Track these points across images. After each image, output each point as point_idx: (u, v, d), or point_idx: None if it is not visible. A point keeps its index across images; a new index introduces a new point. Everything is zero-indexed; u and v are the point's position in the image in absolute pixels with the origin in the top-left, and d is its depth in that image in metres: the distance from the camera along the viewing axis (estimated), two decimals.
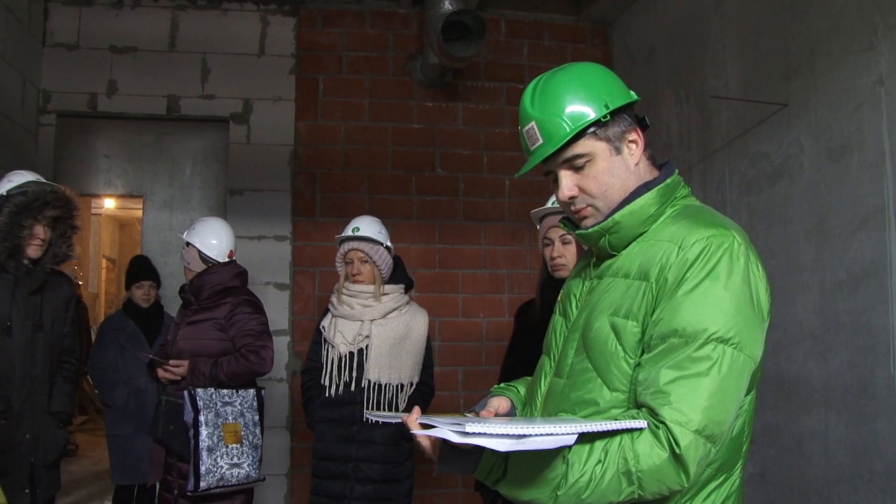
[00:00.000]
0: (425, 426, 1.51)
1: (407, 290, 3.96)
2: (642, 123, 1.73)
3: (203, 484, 3.42)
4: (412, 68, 5.56)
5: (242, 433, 3.59)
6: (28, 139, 5.14)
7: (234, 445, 3.54)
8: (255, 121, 5.46)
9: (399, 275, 3.90)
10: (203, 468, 3.43)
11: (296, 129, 5.48)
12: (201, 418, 3.50)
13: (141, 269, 5.08)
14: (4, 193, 3.37)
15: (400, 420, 1.64)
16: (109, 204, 8.15)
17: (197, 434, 3.49)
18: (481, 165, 5.54)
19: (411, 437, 3.60)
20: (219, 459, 3.48)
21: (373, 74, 5.57)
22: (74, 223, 3.53)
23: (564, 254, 3.03)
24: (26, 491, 3.25)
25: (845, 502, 3.18)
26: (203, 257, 3.80)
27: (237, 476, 3.51)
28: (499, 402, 1.83)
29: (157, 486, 3.86)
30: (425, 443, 1.59)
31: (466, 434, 1.34)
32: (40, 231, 3.33)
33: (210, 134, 5.62)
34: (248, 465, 3.57)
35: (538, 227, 3.26)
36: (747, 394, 1.59)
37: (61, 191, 3.46)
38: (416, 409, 1.65)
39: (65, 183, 5.29)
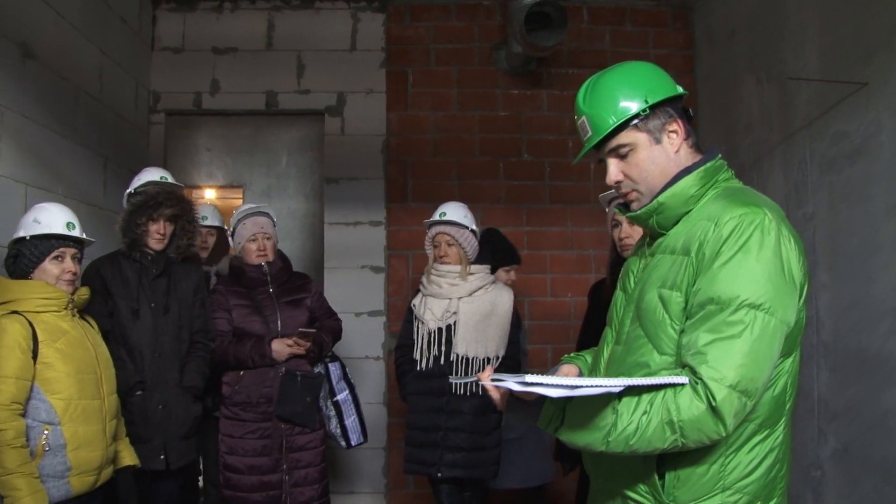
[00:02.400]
0: (496, 381, 1.75)
1: (493, 271, 4.17)
2: (687, 114, 1.91)
3: (366, 437, 4.13)
4: (497, 58, 5.70)
5: None
6: (141, 137, 5.51)
7: None
8: (349, 113, 5.69)
9: (484, 256, 4.11)
10: (365, 423, 4.10)
11: (387, 120, 5.69)
12: (353, 382, 4.08)
13: (511, 250, 4.66)
14: (132, 191, 3.73)
15: (476, 378, 1.86)
16: (210, 194, 8.53)
17: (356, 397, 4.09)
18: (566, 150, 5.65)
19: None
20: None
21: (459, 65, 5.73)
22: (193, 217, 3.83)
23: (632, 234, 3.15)
24: (161, 457, 3.56)
25: None
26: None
27: None
28: (568, 369, 2.07)
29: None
30: (494, 395, 1.85)
31: (526, 383, 1.59)
32: (158, 227, 3.64)
33: (304, 125, 5.87)
34: None
35: (606, 210, 3.42)
36: (788, 356, 1.77)
37: (176, 191, 3.77)
38: (489, 368, 1.90)
39: (173, 176, 5.72)
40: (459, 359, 3.90)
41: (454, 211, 4.05)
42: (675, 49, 5.73)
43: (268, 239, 4.03)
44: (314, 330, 3.93)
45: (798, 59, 4.12)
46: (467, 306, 3.95)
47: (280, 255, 4.12)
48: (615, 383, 1.60)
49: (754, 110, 4.67)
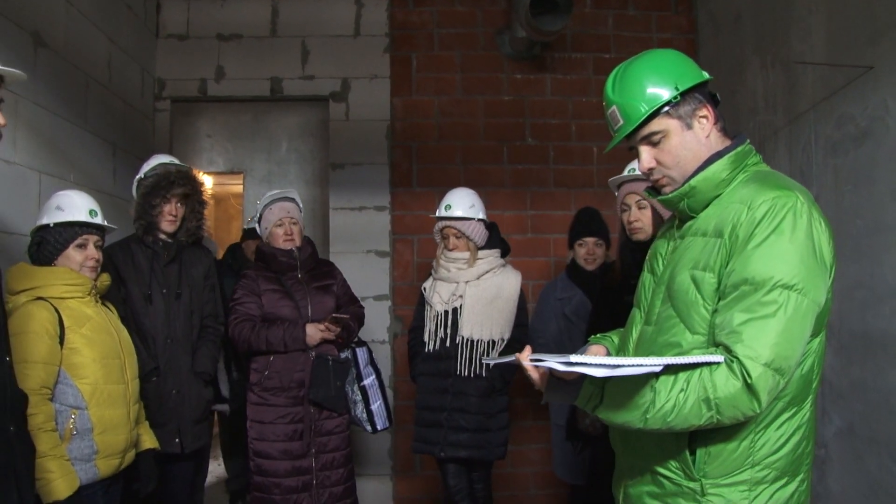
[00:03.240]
0: (535, 362, 1.80)
1: (505, 255, 4.22)
2: (714, 100, 1.95)
3: (391, 421, 4.18)
4: (501, 42, 5.72)
5: None
6: (146, 124, 5.53)
7: None
8: (354, 98, 5.71)
9: (494, 240, 4.17)
10: (390, 407, 4.15)
11: (392, 105, 5.72)
12: (378, 367, 4.14)
13: (587, 223, 4.39)
14: (142, 176, 3.75)
15: (514, 358, 1.90)
16: (207, 181, 8.54)
17: (381, 382, 4.11)
18: (570, 134, 5.70)
19: (503, 390, 3.92)
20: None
21: (463, 50, 5.75)
22: (202, 199, 3.86)
23: (641, 217, 3.22)
24: (176, 441, 3.63)
25: None
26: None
27: None
28: (597, 349, 2.10)
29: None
30: (535, 375, 1.89)
31: (570, 364, 1.62)
32: (171, 208, 3.67)
33: (305, 111, 5.90)
34: None
35: (616, 193, 3.48)
36: (815, 336, 1.82)
37: (186, 170, 3.79)
38: (528, 348, 1.93)
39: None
40: (464, 341, 3.99)
41: (459, 203, 4.10)
42: (678, 33, 5.75)
43: (294, 224, 4.05)
44: (346, 316, 3.98)
45: (804, 42, 4.13)
46: (473, 290, 4.03)
47: (308, 241, 4.15)
48: (655, 362, 1.64)
49: (759, 93, 4.69)
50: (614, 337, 2.23)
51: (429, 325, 4.11)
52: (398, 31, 5.76)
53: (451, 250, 4.09)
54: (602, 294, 3.73)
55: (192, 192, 3.78)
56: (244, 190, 6.06)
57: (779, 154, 4.40)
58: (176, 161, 3.86)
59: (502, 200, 5.64)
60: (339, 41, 5.74)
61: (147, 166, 3.80)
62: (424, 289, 4.24)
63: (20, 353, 2.73)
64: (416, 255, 5.64)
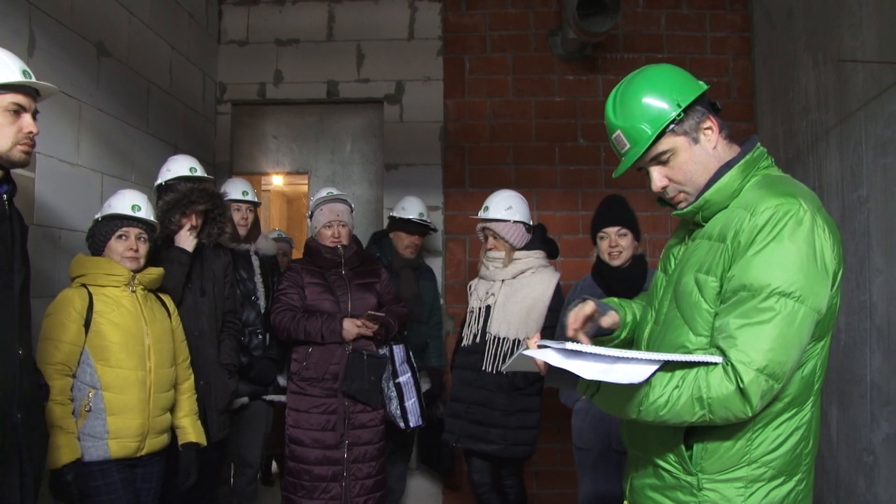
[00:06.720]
0: (542, 348, 1.86)
1: (553, 256, 4.30)
2: (714, 108, 1.96)
3: (424, 419, 4.25)
4: (553, 44, 5.74)
5: None
6: (208, 127, 5.75)
7: None
8: (407, 100, 5.82)
9: (536, 241, 4.23)
10: (424, 406, 4.23)
11: (445, 107, 5.80)
12: (415, 365, 4.23)
13: (606, 212, 3.96)
14: (163, 183, 3.82)
15: (520, 353, 1.95)
16: (277, 181, 8.75)
17: (417, 380, 4.21)
18: None
19: (526, 390, 3.95)
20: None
21: (515, 52, 5.79)
22: (224, 211, 3.92)
23: None
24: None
25: None
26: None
27: None
28: (610, 319, 2.18)
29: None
30: (538, 361, 1.94)
31: (567, 351, 1.72)
32: (190, 220, 3.74)
33: (367, 113, 6.02)
34: None
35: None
36: (819, 341, 1.84)
37: (208, 189, 3.81)
38: (537, 335, 2.01)
39: (239, 163, 5.90)
40: (492, 338, 4.09)
41: (497, 205, 4.20)
42: (733, 31, 5.68)
43: (343, 226, 4.18)
44: (383, 314, 4.08)
45: (855, 39, 4.05)
46: (506, 289, 4.13)
47: (354, 240, 4.29)
48: (656, 357, 1.71)
49: (811, 91, 4.61)
50: (637, 308, 2.27)
51: (467, 321, 4.24)
52: (451, 34, 5.84)
53: (489, 250, 4.18)
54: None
55: (213, 208, 3.83)
56: (309, 190, 6.20)
57: (830, 154, 4.33)
58: (198, 167, 3.88)
59: (554, 201, 5.67)
60: (394, 44, 5.85)
61: (169, 173, 3.84)
62: (470, 286, 4.37)
63: (52, 331, 2.99)
64: (467, 255, 5.71)
